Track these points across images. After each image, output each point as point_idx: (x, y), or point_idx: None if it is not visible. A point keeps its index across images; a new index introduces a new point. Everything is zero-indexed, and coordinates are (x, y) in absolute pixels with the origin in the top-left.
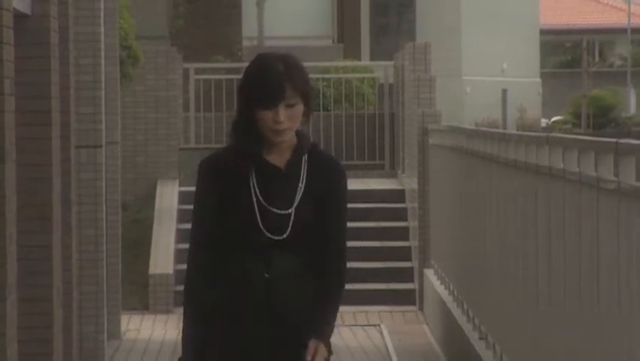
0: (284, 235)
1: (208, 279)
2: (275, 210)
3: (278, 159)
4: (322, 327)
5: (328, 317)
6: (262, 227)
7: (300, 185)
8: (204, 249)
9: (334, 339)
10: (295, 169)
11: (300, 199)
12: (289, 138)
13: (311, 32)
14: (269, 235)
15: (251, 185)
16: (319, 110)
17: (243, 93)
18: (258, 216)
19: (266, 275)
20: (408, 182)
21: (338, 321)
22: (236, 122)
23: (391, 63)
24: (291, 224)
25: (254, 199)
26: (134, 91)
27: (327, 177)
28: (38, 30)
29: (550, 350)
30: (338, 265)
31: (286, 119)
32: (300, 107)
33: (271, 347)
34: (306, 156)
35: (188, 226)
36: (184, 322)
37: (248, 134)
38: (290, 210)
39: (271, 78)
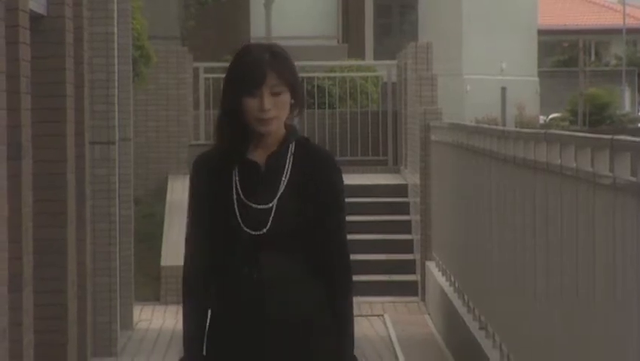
0: (264, 230)
1: (204, 278)
2: (254, 205)
3: (265, 154)
4: (344, 346)
5: (347, 329)
6: (241, 223)
7: (283, 178)
8: (199, 248)
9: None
10: (279, 162)
11: (283, 192)
12: (277, 131)
13: (317, 33)
14: (248, 230)
15: (234, 182)
16: (325, 108)
17: (228, 82)
18: (237, 213)
19: (255, 275)
20: (410, 177)
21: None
22: (220, 119)
23: (394, 62)
24: (271, 218)
25: (235, 196)
26: (146, 89)
27: (316, 168)
28: (54, 30)
29: (547, 339)
30: (342, 263)
31: (272, 108)
32: (286, 96)
33: (265, 348)
34: (293, 148)
35: None
36: (183, 320)
37: (233, 131)
38: (270, 205)
39: (253, 63)
